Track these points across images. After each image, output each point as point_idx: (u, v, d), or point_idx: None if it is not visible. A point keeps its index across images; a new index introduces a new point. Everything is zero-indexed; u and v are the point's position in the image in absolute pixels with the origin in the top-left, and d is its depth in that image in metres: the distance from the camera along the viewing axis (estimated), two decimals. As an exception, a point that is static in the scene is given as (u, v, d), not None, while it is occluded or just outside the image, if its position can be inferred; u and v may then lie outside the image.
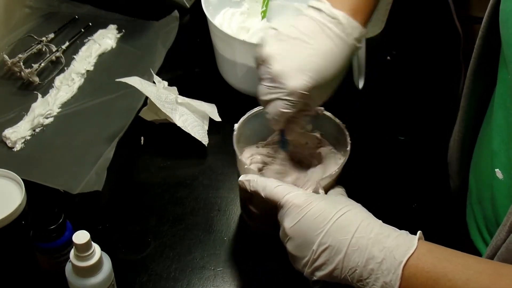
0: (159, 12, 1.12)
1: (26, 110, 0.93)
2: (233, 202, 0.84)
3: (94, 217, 0.81)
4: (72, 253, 0.64)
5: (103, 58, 1.05)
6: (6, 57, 0.99)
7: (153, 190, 0.86)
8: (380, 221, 0.62)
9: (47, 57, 1.02)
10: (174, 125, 0.89)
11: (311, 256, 0.61)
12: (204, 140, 0.90)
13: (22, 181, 0.71)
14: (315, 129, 0.80)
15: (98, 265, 0.65)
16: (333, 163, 0.77)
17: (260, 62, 0.69)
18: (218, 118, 0.93)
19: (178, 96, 0.92)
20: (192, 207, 0.84)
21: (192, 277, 0.76)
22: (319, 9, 0.69)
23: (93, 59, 1.04)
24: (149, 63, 1.01)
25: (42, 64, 1.00)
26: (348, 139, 0.75)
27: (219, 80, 1.00)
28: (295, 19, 0.70)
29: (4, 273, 0.72)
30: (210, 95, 0.97)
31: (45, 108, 0.93)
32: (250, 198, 0.72)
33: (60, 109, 0.95)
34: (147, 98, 0.91)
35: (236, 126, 0.76)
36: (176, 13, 1.10)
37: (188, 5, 1.15)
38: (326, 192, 0.71)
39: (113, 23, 1.11)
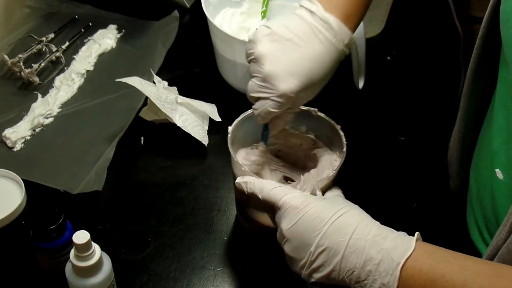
0: (159, 12, 1.12)
1: (26, 110, 0.93)
2: (233, 202, 0.84)
3: (94, 217, 0.81)
4: (72, 253, 0.64)
5: (103, 58, 1.05)
6: (6, 57, 0.99)
7: (153, 190, 0.86)
8: (378, 223, 0.62)
9: (47, 57, 1.02)
10: (174, 125, 0.89)
11: (308, 258, 0.61)
12: (204, 140, 0.90)
13: (22, 181, 0.71)
14: (309, 131, 0.80)
15: (98, 265, 0.65)
16: (329, 164, 0.77)
17: (252, 59, 0.70)
18: (218, 118, 0.93)
19: (178, 96, 0.92)
20: (192, 207, 0.84)
21: (192, 277, 0.76)
22: (311, 11, 0.70)
23: (93, 59, 1.04)
24: (149, 63, 1.01)
25: (42, 64, 1.00)
26: (344, 139, 0.75)
27: (219, 80, 1.00)
28: (288, 19, 0.71)
29: (4, 273, 0.72)
30: (210, 95, 0.97)
31: (45, 108, 0.93)
32: (247, 200, 0.71)
33: (60, 109, 0.95)
34: (147, 98, 0.91)
35: (230, 128, 0.76)
36: (176, 13, 1.10)
37: (188, 5, 1.15)
38: (323, 194, 0.71)
39: (113, 23, 1.11)
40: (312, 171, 0.77)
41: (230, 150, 0.74)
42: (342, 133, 0.75)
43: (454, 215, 0.82)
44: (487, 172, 0.70)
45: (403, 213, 0.83)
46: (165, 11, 1.11)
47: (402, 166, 0.91)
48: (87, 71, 1.02)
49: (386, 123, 0.97)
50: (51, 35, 1.06)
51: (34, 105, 0.94)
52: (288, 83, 0.68)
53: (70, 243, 0.68)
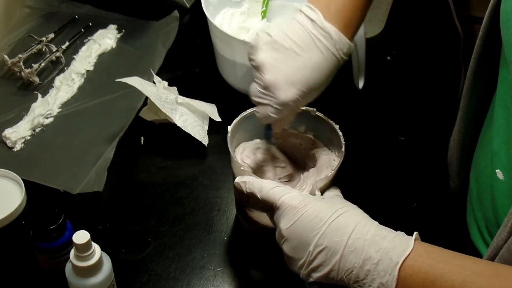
0: (159, 12, 1.12)
1: (26, 110, 0.93)
2: (233, 202, 0.84)
3: (94, 217, 0.81)
4: (72, 253, 0.64)
5: (103, 58, 1.05)
6: (6, 57, 0.99)
7: (153, 190, 0.86)
8: (377, 223, 0.62)
9: (47, 57, 1.02)
10: (174, 125, 0.89)
11: (307, 257, 0.61)
12: (204, 140, 0.90)
13: (22, 181, 0.71)
14: (308, 130, 0.80)
15: (98, 265, 0.65)
16: (328, 164, 0.77)
17: (254, 66, 0.71)
18: (218, 118, 0.93)
19: (178, 96, 0.92)
20: (192, 207, 0.84)
21: (192, 277, 0.76)
22: (312, 20, 0.70)
23: (93, 59, 1.04)
24: (149, 63, 1.01)
25: (42, 64, 1.00)
26: (342, 139, 0.75)
27: (219, 80, 1.00)
28: (288, 25, 0.71)
29: (4, 273, 0.72)
30: (210, 95, 0.97)
31: (45, 108, 0.94)
32: (246, 199, 0.72)
33: (60, 109, 0.95)
34: (147, 98, 0.91)
35: (229, 128, 0.76)
36: (176, 13, 1.10)
37: (188, 5, 1.15)
38: (322, 194, 0.71)
39: (113, 23, 1.11)
40: (311, 170, 0.77)
41: (230, 149, 0.74)
42: (340, 133, 0.76)
43: (454, 215, 0.82)
44: (487, 172, 0.70)
45: (403, 213, 0.83)
46: (165, 11, 1.11)
47: (402, 166, 0.91)
48: (87, 71, 1.02)
49: (386, 123, 0.97)
50: (51, 35, 1.06)
51: (34, 105, 0.94)
52: (287, 93, 0.69)
53: (70, 243, 0.68)
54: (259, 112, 0.73)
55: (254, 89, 0.72)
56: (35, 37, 1.05)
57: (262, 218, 0.74)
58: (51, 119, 0.94)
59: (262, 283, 0.77)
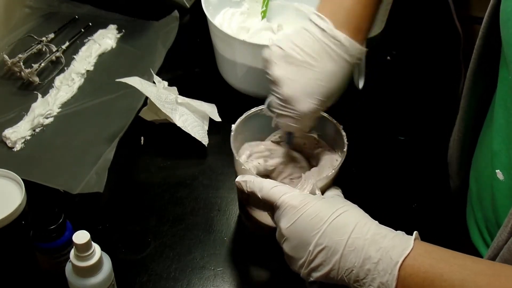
0: (159, 12, 1.12)
1: (26, 110, 0.93)
2: (233, 202, 0.84)
3: (94, 217, 0.81)
4: (72, 253, 0.64)
5: (103, 58, 1.05)
6: (6, 57, 0.99)
7: (153, 190, 0.86)
8: (377, 222, 0.62)
9: (47, 57, 1.02)
10: (174, 125, 0.89)
11: (307, 257, 0.61)
12: (204, 140, 0.90)
13: (22, 181, 0.71)
14: (312, 130, 0.81)
15: (98, 265, 0.65)
16: (330, 164, 0.77)
17: (271, 81, 0.72)
18: (218, 118, 0.93)
19: (178, 96, 0.92)
20: (192, 207, 0.84)
21: (192, 277, 0.76)
22: (322, 29, 0.71)
23: (93, 59, 1.04)
24: (149, 63, 1.01)
25: (42, 64, 1.00)
26: (345, 139, 0.75)
27: (219, 80, 1.00)
28: (298, 36, 0.72)
29: (4, 273, 0.72)
30: (210, 95, 0.97)
31: (45, 108, 0.94)
32: (247, 198, 0.72)
33: (60, 109, 0.95)
34: (147, 98, 0.91)
35: (233, 126, 0.77)
36: (176, 13, 1.10)
37: (188, 5, 1.15)
38: (322, 193, 0.71)
39: (113, 23, 1.11)
40: (313, 170, 0.77)
41: (233, 148, 0.74)
42: (344, 133, 0.76)
43: (454, 215, 0.82)
44: (487, 173, 0.70)
45: (403, 213, 0.83)
46: (165, 11, 1.11)
47: (402, 166, 0.91)
48: (87, 71, 1.02)
49: (386, 123, 0.97)
50: (51, 35, 1.06)
51: (34, 105, 0.94)
52: (306, 104, 0.71)
53: (70, 243, 0.68)
54: (280, 123, 0.74)
55: (274, 102, 0.73)
56: (35, 37, 1.05)
57: (263, 217, 0.74)
58: (51, 119, 0.94)
59: (262, 283, 0.77)
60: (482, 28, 0.70)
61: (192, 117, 0.91)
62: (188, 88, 0.96)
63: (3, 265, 0.71)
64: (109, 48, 1.07)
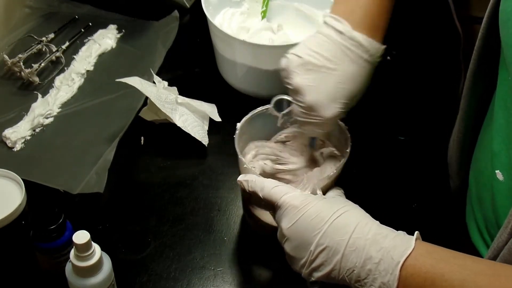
0: (159, 12, 1.12)
1: (26, 110, 0.93)
2: (233, 202, 0.84)
3: (94, 217, 0.81)
4: (72, 253, 0.64)
5: (103, 58, 1.05)
6: (6, 57, 0.99)
7: (153, 190, 0.86)
8: (378, 222, 0.62)
9: (47, 57, 1.02)
10: (174, 125, 0.89)
11: (308, 257, 0.61)
12: (204, 140, 0.90)
13: (22, 181, 0.71)
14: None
15: (98, 265, 0.65)
16: (332, 164, 0.77)
17: (292, 90, 0.72)
18: (218, 118, 0.93)
19: (178, 96, 0.92)
20: (192, 207, 0.84)
21: (192, 277, 0.76)
22: (339, 31, 0.70)
23: (93, 59, 1.04)
24: (149, 63, 1.01)
25: (42, 64, 1.00)
26: (349, 140, 0.75)
27: (219, 80, 1.00)
28: (315, 41, 0.71)
29: (4, 273, 0.72)
30: (210, 95, 0.97)
31: (45, 108, 0.94)
32: (249, 197, 0.72)
33: (60, 109, 0.95)
34: (147, 98, 0.91)
35: (238, 125, 0.76)
36: (176, 13, 1.10)
37: (188, 5, 1.15)
38: (324, 193, 0.71)
39: (113, 23, 1.11)
40: (315, 170, 0.77)
41: (236, 147, 0.74)
42: (349, 134, 0.76)
43: (454, 215, 0.82)
44: (487, 173, 0.70)
45: (403, 213, 0.83)
46: (165, 11, 1.11)
47: (402, 166, 0.91)
48: (87, 71, 1.02)
49: (386, 123, 0.97)
50: (51, 35, 1.06)
51: (34, 105, 0.94)
52: (331, 110, 0.70)
53: (70, 243, 0.68)
54: (305, 130, 0.74)
55: (297, 111, 0.72)
56: (35, 37, 1.05)
57: (265, 216, 0.74)
58: (51, 119, 0.94)
59: (263, 283, 0.77)
60: (481, 28, 0.70)
61: (192, 117, 0.91)
62: (188, 88, 0.96)
63: (3, 265, 0.71)
64: (109, 48, 1.07)
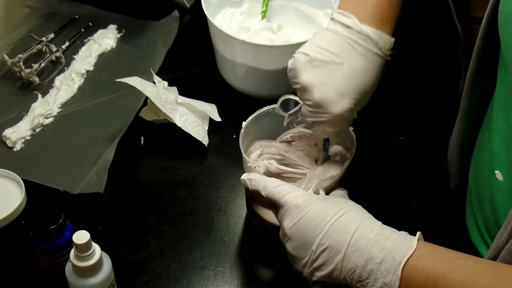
0: (159, 12, 1.12)
1: (26, 110, 0.93)
2: (233, 202, 0.84)
3: (94, 217, 0.81)
4: (72, 253, 0.64)
5: (103, 58, 1.05)
6: (6, 57, 0.99)
7: (153, 190, 0.86)
8: (380, 222, 0.62)
9: (47, 57, 1.02)
10: (174, 125, 0.89)
11: (310, 256, 0.61)
12: (204, 140, 0.90)
13: (22, 181, 0.71)
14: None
15: (98, 265, 0.65)
16: (337, 165, 0.77)
17: (299, 89, 0.70)
18: (218, 118, 0.93)
19: (178, 96, 0.92)
20: (192, 207, 0.84)
21: (192, 277, 0.76)
22: (346, 26, 0.69)
23: (93, 59, 1.04)
24: (149, 63, 1.01)
25: (42, 64, 1.00)
26: (355, 141, 0.75)
27: (219, 80, 1.00)
28: (322, 38, 0.70)
29: (4, 273, 0.72)
30: (210, 95, 0.97)
31: (45, 108, 0.94)
32: (252, 196, 0.72)
33: (60, 109, 0.95)
34: (147, 98, 0.91)
35: (244, 124, 0.76)
36: (176, 13, 1.10)
37: (188, 5, 1.15)
38: (327, 194, 0.71)
39: (113, 23, 1.11)
40: (318, 170, 0.77)
41: (241, 146, 0.74)
42: (354, 134, 0.76)
43: (454, 215, 0.82)
44: (486, 173, 0.70)
45: (403, 213, 0.83)
46: (165, 11, 1.11)
47: (402, 166, 0.91)
48: (87, 71, 1.02)
49: (386, 123, 0.97)
50: (51, 35, 1.06)
51: (34, 105, 0.94)
52: (340, 105, 0.69)
53: (70, 243, 0.68)
54: (316, 130, 0.72)
55: (305, 111, 0.71)
56: (35, 37, 1.05)
57: (268, 215, 0.74)
58: (51, 119, 0.94)
59: (263, 283, 0.77)
60: (481, 29, 0.70)
61: (192, 117, 0.91)
62: (188, 88, 0.96)
63: (3, 265, 0.71)
64: (109, 48, 1.07)
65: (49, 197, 0.82)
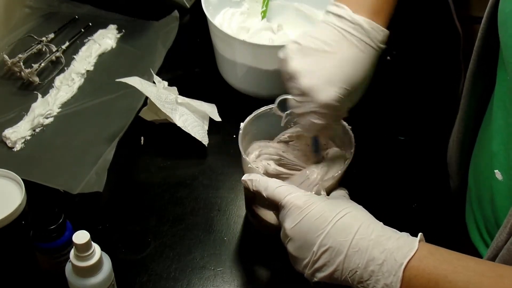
0: (159, 12, 1.12)
1: (26, 110, 0.93)
2: (233, 202, 0.84)
3: (94, 217, 0.81)
4: (72, 253, 0.64)
5: (103, 58, 1.05)
6: (6, 57, 0.99)
7: (153, 190, 0.86)
8: (381, 223, 0.62)
9: (47, 57, 1.02)
10: (174, 125, 0.89)
11: (311, 257, 0.61)
12: (204, 140, 0.90)
13: (22, 181, 0.71)
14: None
15: (98, 265, 0.65)
16: (337, 165, 0.77)
17: (287, 77, 0.69)
18: (218, 118, 0.93)
19: (178, 96, 0.92)
20: (192, 207, 0.84)
21: (192, 277, 0.76)
22: (340, 16, 0.69)
23: (93, 59, 1.04)
24: (149, 63, 1.01)
25: (42, 64, 1.00)
26: (353, 141, 0.75)
27: (219, 80, 1.00)
28: (316, 29, 0.70)
29: (4, 273, 0.72)
30: (210, 95, 0.97)
31: (45, 108, 0.94)
32: (253, 197, 0.72)
33: (60, 109, 0.95)
34: (147, 98, 0.91)
35: (242, 125, 0.76)
36: (176, 13, 1.10)
37: (188, 5, 1.15)
38: (328, 194, 0.71)
39: (113, 23, 1.11)
40: (319, 170, 0.77)
41: (240, 147, 0.74)
42: (352, 134, 0.76)
43: (454, 215, 0.82)
44: (486, 173, 0.70)
45: (403, 213, 0.83)
46: (165, 11, 1.11)
47: (402, 166, 0.91)
48: (87, 71, 1.02)
49: (386, 123, 0.97)
50: (51, 35, 1.06)
51: (34, 105, 0.94)
52: (327, 93, 0.67)
53: (70, 243, 0.68)
54: (302, 123, 0.71)
55: (292, 101, 0.70)
56: (35, 37, 1.05)
57: (268, 216, 0.74)
58: (51, 119, 0.94)
59: (263, 283, 0.77)
60: (481, 29, 0.70)
61: (192, 117, 0.91)
62: (188, 88, 0.96)
63: (3, 265, 0.71)
64: (109, 48, 1.07)
65: (49, 197, 0.82)
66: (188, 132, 0.89)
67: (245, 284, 0.76)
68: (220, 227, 0.81)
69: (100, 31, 1.09)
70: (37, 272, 0.73)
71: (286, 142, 0.81)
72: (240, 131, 0.76)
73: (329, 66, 0.67)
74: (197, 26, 1.08)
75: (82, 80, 1.01)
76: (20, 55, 1.00)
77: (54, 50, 1.03)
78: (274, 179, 0.68)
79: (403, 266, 0.57)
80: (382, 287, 0.58)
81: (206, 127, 0.93)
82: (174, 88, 0.94)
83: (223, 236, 0.80)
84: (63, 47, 1.05)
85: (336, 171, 0.74)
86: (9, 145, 0.89)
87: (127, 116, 0.92)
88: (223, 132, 0.93)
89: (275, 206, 0.66)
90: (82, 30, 1.09)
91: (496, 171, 0.67)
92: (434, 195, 0.87)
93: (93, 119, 0.94)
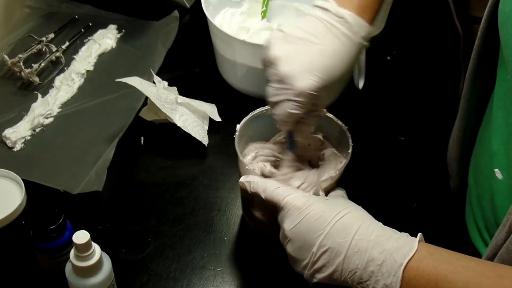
0: (159, 12, 1.12)
1: (26, 110, 0.93)
2: (233, 202, 0.84)
3: (94, 217, 0.81)
4: (72, 253, 0.64)
5: (103, 58, 1.05)
6: (6, 57, 0.99)
7: (153, 190, 0.86)
8: (381, 224, 0.62)
9: (47, 57, 1.02)
10: (174, 125, 0.89)
11: (311, 258, 0.61)
12: (204, 140, 0.90)
13: (22, 181, 0.71)
14: (317, 131, 0.80)
15: (98, 265, 0.65)
16: (334, 165, 0.77)
17: (267, 64, 0.69)
18: (218, 118, 0.93)
19: (178, 96, 0.92)
20: (192, 207, 0.84)
21: (192, 277, 0.76)
22: (325, 9, 0.69)
23: (93, 59, 1.04)
24: (149, 63, 1.01)
25: (42, 64, 1.00)
26: (350, 141, 0.75)
27: (219, 80, 1.00)
28: (301, 20, 0.70)
29: (4, 273, 0.72)
30: (210, 95, 0.97)
31: (45, 108, 0.94)
32: (250, 199, 0.72)
33: (60, 109, 0.95)
34: (147, 98, 0.91)
35: (238, 126, 0.76)
36: (176, 13, 1.10)
37: (188, 5, 1.15)
38: (326, 194, 0.71)
39: (113, 23, 1.11)
40: (316, 171, 0.77)
41: (237, 148, 0.74)
42: (349, 134, 0.76)
43: (454, 215, 0.82)
44: (486, 172, 0.70)
45: (403, 213, 0.83)
46: (165, 11, 1.11)
47: (402, 166, 0.91)
48: (87, 71, 1.02)
49: (386, 123, 0.97)
50: (51, 35, 1.06)
51: (34, 105, 0.94)
52: (305, 81, 0.66)
53: (70, 243, 0.68)
54: (278, 112, 0.69)
55: (269, 89, 0.69)
56: (35, 37, 1.05)
57: (265, 217, 0.74)
58: (51, 119, 0.94)
59: (263, 283, 0.77)
60: (481, 28, 0.70)
61: (192, 117, 0.91)
62: (188, 88, 0.96)
63: (3, 265, 0.71)
64: (109, 48, 1.07)
65: (49, 197, 0.82)
66: (188, 132, 0.89)
67: (245, 284, 0.76)
68: (220, 227, 0.81)
69: (100, 31, 1.09)
70: (37, 272, 0.73)
71: (282, 143, 0.81)
72: (237, 133, 0.76)
73: (310, 54, 0.67)
74: (197, 26, 1.08)
75: (82, 80, 1.01)
76: (20, 55, 1.00)
77: (54, 50, 1.03)
78: (272, 180, 0.68)
79: (402, 267, 0.57)
80: (381, 287, 0.58)
81: (206, 127, 0.93)
82: (174, 88, 0.94)
83: (223, 236, 0.80)
84: (63, 47, 1.05)
85: (334, 172, 0.74)
86: (9, 145, 0.89)
87: (127, 116, 0.92)
88: (223, 132, 0.93)
89: (274, 208, 0.66)
90: (82, 30, 1.09)
91: (496, 170, 0.67)
92: (434, 195, 0.87)
93: (93, 119, 0.94)
